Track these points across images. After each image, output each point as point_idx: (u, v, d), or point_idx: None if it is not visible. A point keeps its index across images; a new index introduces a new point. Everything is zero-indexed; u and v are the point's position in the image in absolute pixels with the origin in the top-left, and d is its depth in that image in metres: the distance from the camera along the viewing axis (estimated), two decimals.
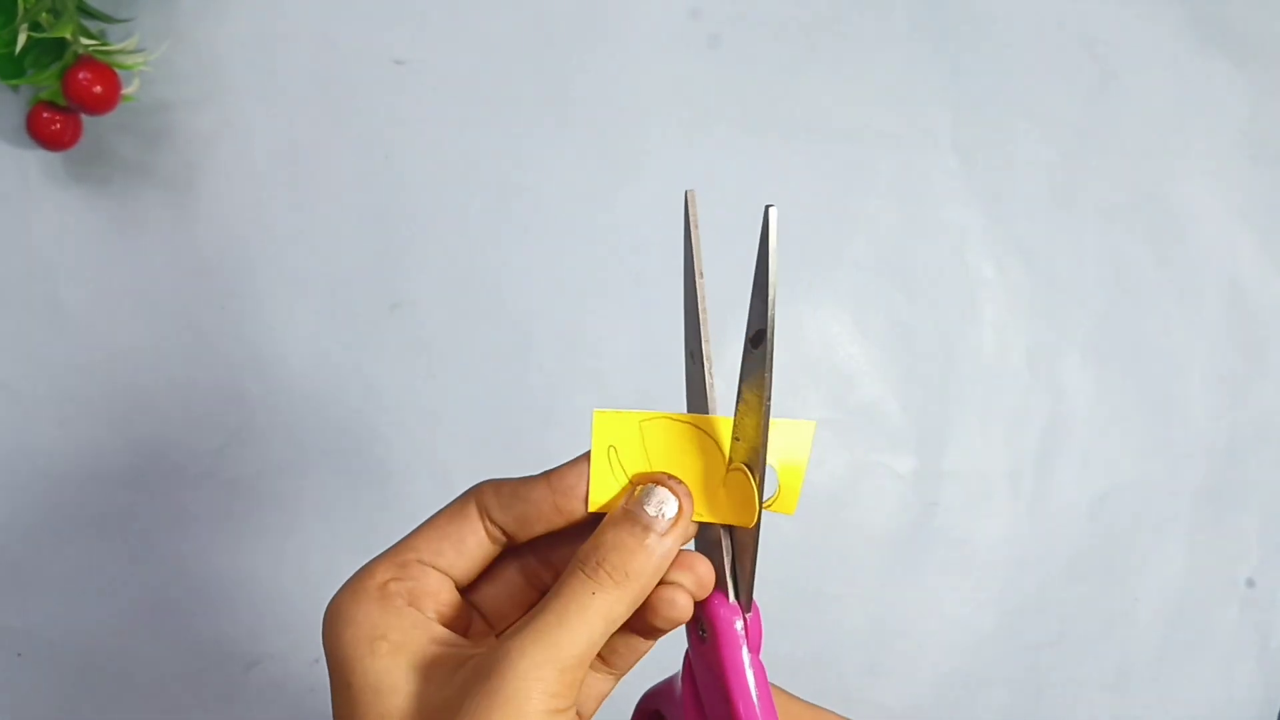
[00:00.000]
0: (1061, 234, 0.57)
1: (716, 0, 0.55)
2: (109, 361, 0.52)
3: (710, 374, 0.30)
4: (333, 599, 0.29)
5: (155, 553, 0.52)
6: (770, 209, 0.27)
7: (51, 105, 0.49)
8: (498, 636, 0.32)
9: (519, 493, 0.30)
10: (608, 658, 0.31)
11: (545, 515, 0.30)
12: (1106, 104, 0.57)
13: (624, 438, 0.30)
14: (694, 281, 0.29)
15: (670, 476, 0.30)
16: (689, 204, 0.30)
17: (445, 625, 0.29)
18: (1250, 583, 0.57)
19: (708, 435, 0.30)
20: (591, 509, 0.30)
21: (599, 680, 0.32)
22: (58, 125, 0.49)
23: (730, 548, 0.30)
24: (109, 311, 0.52)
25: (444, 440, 0.53)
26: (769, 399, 0.28)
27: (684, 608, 0.29)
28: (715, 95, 0.55)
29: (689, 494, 0.30)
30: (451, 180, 0.54)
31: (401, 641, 0.28)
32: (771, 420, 0.29)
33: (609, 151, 0.55)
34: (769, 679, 0.31)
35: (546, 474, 0.30)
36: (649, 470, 0.30)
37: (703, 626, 0.30)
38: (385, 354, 0.53)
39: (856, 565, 0.54)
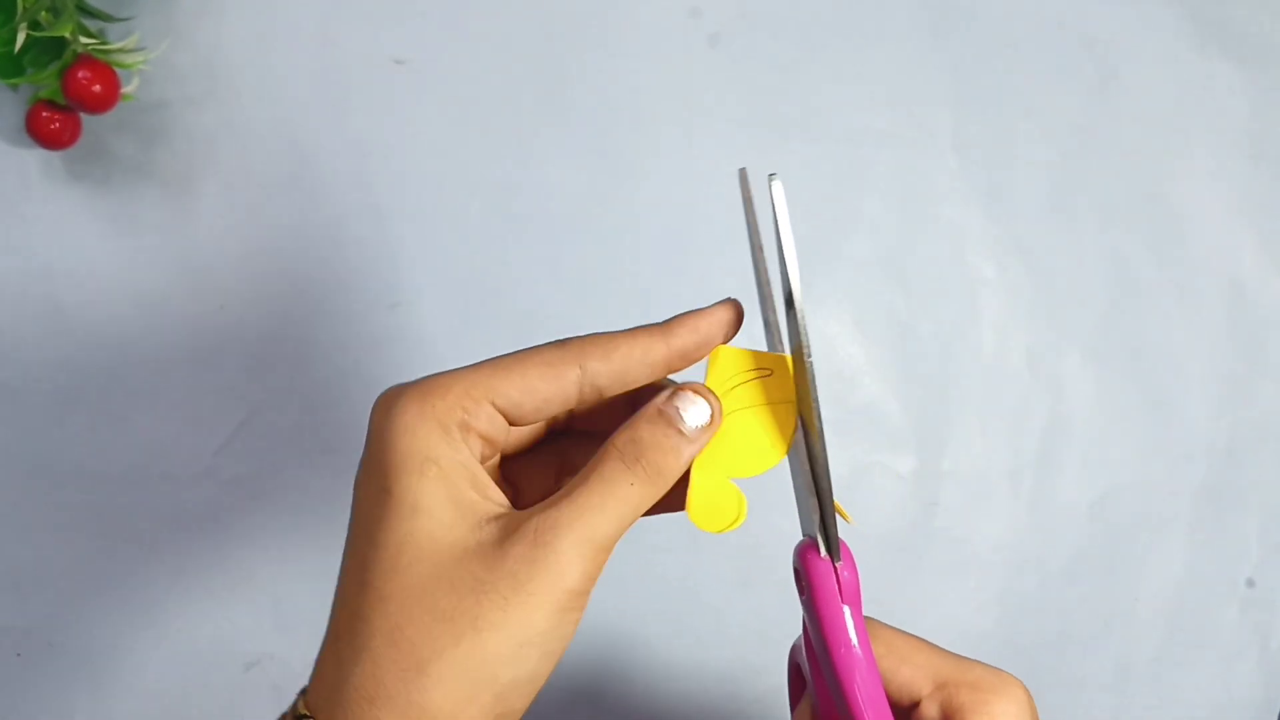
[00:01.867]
0: (1061, 234, 0.57)
1: (716, 0, 0.55)
2: (108, 361, 0.52)
3: (782, 342, 0.31)
4: (399, 396, 0.29)
5: (155, 553, 0.52)
6: (773, 179, 0.29)
7: (51, 104, 0.49)
8: (516, 507, 0.32)
9: (627, 353, 0.30)
10: (574, 471, 0.32)
11: (654, 371, 0.30)
12: (1106, 104, 0.57)
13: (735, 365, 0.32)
14: (755, 255, 0.32)
15: (707, 389, 0.31)
16: (743, 182, 0.31)
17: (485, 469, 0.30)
18: (1250, 583, 0.57)
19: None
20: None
21: (551, 482, 0.33)
22: (57, 124, 0.49)
23: (818, 505, 0.31)
24: (108, 311, 0.52)
25: None
26: (809, 355, 0.30)
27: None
28: (715, 95, 0.55)
29: (719, 404, 0.30)
30: (451, 180, 0.54)
31: (449, 472, 0.28)
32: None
33: (609, 151, 0.55)
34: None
35: (660, 330, 0.31)
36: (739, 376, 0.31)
37: (802, 579, 0.31)
38: (385, 354, 0.53)
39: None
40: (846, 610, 0.30)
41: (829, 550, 0.31)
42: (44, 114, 0.49)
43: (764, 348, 0.33)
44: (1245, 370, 0.57)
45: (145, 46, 0.51)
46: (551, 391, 0.30)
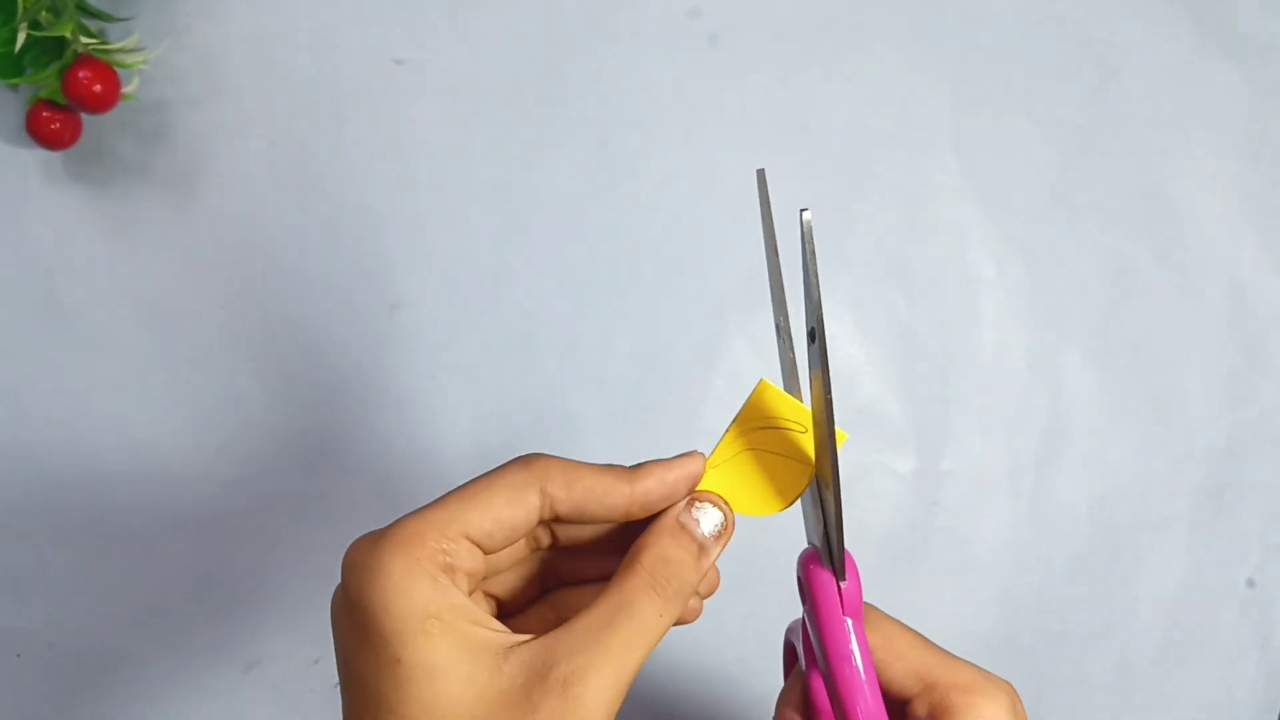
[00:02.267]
0: (1061, 234, 0.57)
1: (716, 0, 0.55)
2: (108, 361, 0.52)
3: (793, 349, 0.31)
4: (377, 552, 0.27)
5: (155, 553, 0.52)
6: (805, 213, 0.28)
7: (51, 104, 0.49)
8: (501, 617, 0.32)
9: (590, 487, 0.29)
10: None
11: (611, 514, 0.30)
12: (1106, 104, 0.57)
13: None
14: (771, 259, 0.31)
15: (708, 493, 0.31)
16: (760, 183, 0.31)
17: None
18: (1250, 583, 0.57)
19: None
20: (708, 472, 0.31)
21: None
22: (57, 124, 0.49)
23: (823, 518, 0.31)
24: (108, 311, 0.52)
25: (443, 440, 0.53)
26: (828, 392, 0.29)
27: (698, 610, 0.31)
28: (715, 95, 0.55)
29: (732, 514, 0.31)
30: (451, 180, 0.54)
31: (452, 624, 0.27)
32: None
33: (609, 151, 0.55)
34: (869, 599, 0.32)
35: (627, 474, 0.30)
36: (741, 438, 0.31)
37: (804, 587, 0.32)
38: (385, 354, 0.53)
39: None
40: (849, 623, 0.31)
41: (832, 564, 0.31)
42: (44, 114, 0.49)
43: (774, 352, 0.33)
44: (1245, 370, 0.57)
45: (145, 46, 0.51)
46: (518, 519, 0.29)
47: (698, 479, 0.31)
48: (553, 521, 0.30)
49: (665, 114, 0.55)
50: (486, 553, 0.29)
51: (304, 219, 0.53)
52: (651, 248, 0.55)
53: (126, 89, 0.49)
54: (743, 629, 0.53)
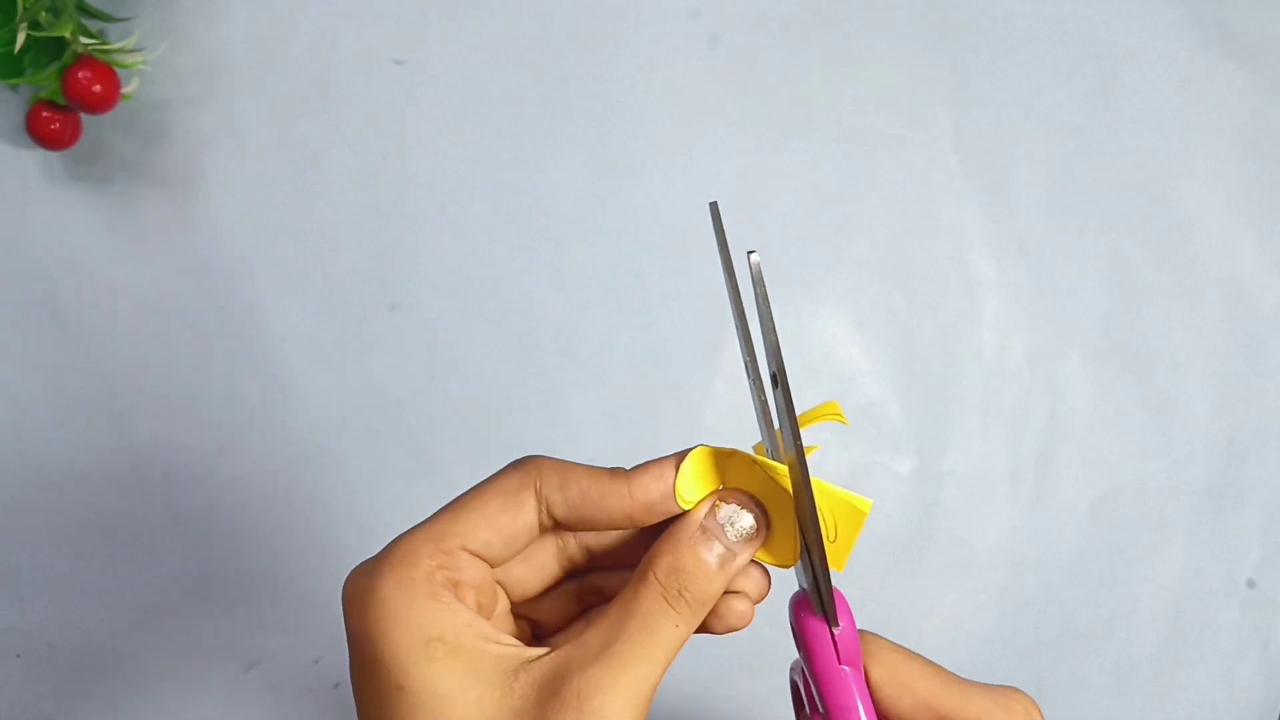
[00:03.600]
0: (1061, 234, 0.57)
1: (716, 0, 0.55)
2: (108, 361, 0.52)
3: (765, 391, 0.29)
4: (372, 580, 0.26)
5: (155, 553, 0.52)
6: (752, 255, 0.26)
7: (51, 104, 0.49)
8: (518, 617, 0.30)
9: (585, 488, 0.28)
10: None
11: (612, 518, 0.28)
12: (1106, 104, 0.57)
13: (710, 467, 0.30)
14: (733, 294, 0.29)
15: (749, 494, 0.29)
16: (714, 216, 0.28)
17: (484, 616, 0.28)
18: (1251, 583, 0.57)
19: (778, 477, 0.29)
20: (680, 505, 0.29)
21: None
22: (57, 124, 0.49)
23: (810, 565, 0.29)
24: (108, 311, 0.52)
25: (443, 440, 0.53)
26: (798, 438, 0.27)
27: (746, 617, 0.29)
28: (715, 95, 0.55)
29: (765, 513, 0.29)
30: (451, 180, 0.54)
31: (456, 644, 0.26)
32: (831, 488, 0.29)
33: (609, 151, 0.55)
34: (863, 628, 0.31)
35: (624, 475, 0.28)
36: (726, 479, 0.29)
37: (795, 634, 0.30)
38: (385, 354, 0.53)
39: (856, 565, 0.54)
40: (847, 671, 0.29)
41: (825, 613, 0.30)
42: (44, 114, 0.49)
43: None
44: (1245, 370, 0.57)
45: (145, 46, 0.51)
46: (517, 525, 0.28)
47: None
48: (556, 529, 0.28)
49: (665, 114, 0.55)
50: (492, 565, 0.28)
51: (304, 219, 0.53)
52: (651, 248, 0.55)
53: (126, 89, 0.49)
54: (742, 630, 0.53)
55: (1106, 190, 0.57)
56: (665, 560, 0.27)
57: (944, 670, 0.30)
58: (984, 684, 0.30)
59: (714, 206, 0.28)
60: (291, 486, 0.53)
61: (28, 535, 0.52)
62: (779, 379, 0.27)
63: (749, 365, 0.29)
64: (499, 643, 0.27)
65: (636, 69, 0.55)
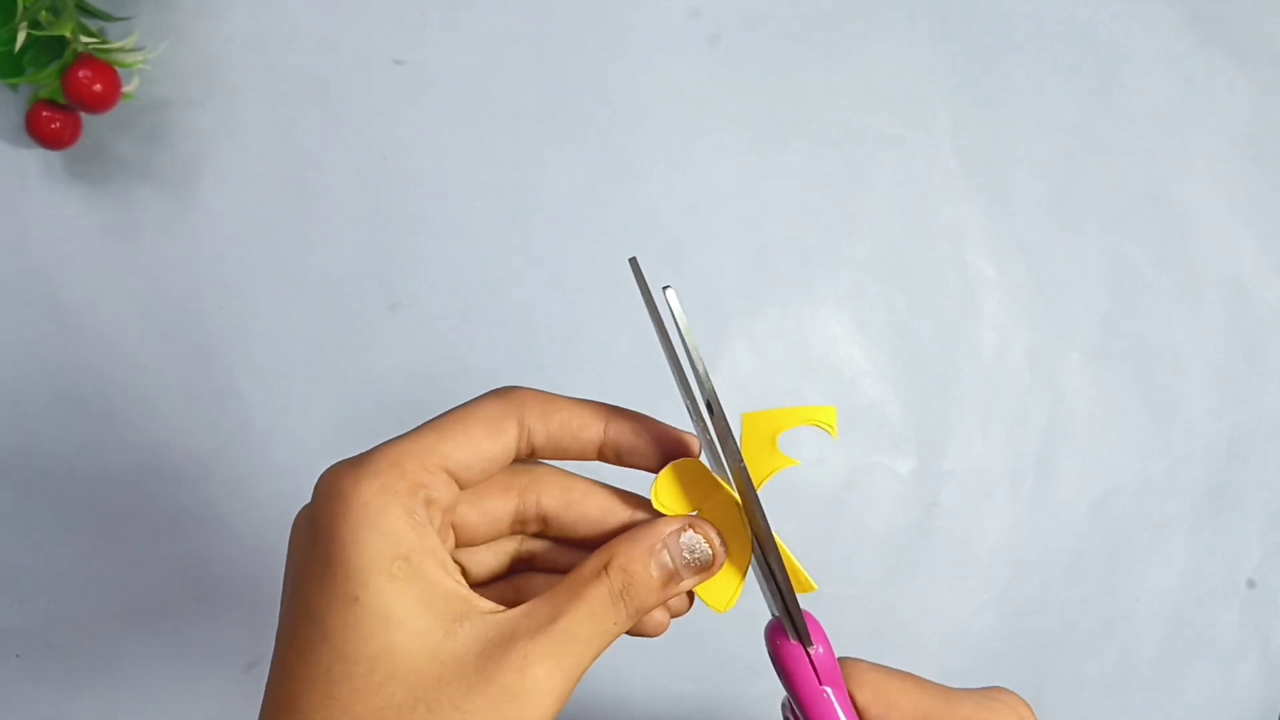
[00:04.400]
0: (1061, 234, 0.57)
1: (716, 0, 0.55)
2: (107, 361, 0.52)
3: (710, 429, 0.29)
4: (352, 479, 0.27)
5: (154, 553, 0.52)
6: (667, 290, 0.27)
7: (51, 104, 0.49)
8: (468, 582, 0.30)
9: (566, 419, 0.29)
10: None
11: (584, 451, 0.30)
12: (1106, 104, 0.57)
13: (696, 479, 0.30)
14: (663, 340, 0.29)
15: (712, 525, 0.30)
16: (635, 271, 0.29)
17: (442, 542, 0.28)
18: (1251, 583, 0.57)
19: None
20: (655, 505, 0.30)
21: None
22: (57, 124, 0.49)
23: (778, 591, 0.30)
24: (107, 311, 0.52)
25: None
26: (740, 460, 0.29)
27: (663, 625, 0.30)
28: (715, 95, 0.55)
29: (724, 545, 0.30)
30: (451, 180, 0.54)
31: (419, 567, 0.26)
32: (790, 558, 0.30)
33: (609, 151, 0.55)
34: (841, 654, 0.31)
35: (604, 412, 0.30)
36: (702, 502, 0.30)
37: (774, 661, 0.31)
38: (385, 354, 0.53)
39: (856, 565, 0.54)
40: (829, 692, 0.30)
41: (798, 635, 0.30)
42: (44, 113, 0.49)
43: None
44: (1245, 370, 0.57)
45: (145, 46, 0.51)
46: (496, 450, 0.28)
47: (676, 454, 0.30)
48: (527, 449, 0.29)
49: (665, 114, 0.55)
50: (462, 486, 0.29)
51: (304, 219, 0.53)
52: (651, 248, 0.55)
53: (126, 88, 0.49)
54: (742, 630, 0.53)
55: (1106, 190, 0.57)
56: (621, 560, 0.28)
57: (927, 681, 0.31)
58: (968, 689, 0.31)
59: (634, 262, 0.29)
60: (290, 487, 0.53)
61: (28, 535, 0.52)
62: (714, 406, 0.28)
63: (689, 406, 0.29)
64: (455, 580, 0.27)
65: (636, 69, 0.55)
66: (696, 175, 0.55)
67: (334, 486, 0.27)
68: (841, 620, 0.54)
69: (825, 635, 0.30)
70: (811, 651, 0.30)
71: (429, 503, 0.27)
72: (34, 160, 0.52)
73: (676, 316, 0.27)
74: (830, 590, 0.55)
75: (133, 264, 0.52)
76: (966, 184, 0.56)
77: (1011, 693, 0.31)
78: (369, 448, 0.28)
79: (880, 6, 0.56)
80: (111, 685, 0.52)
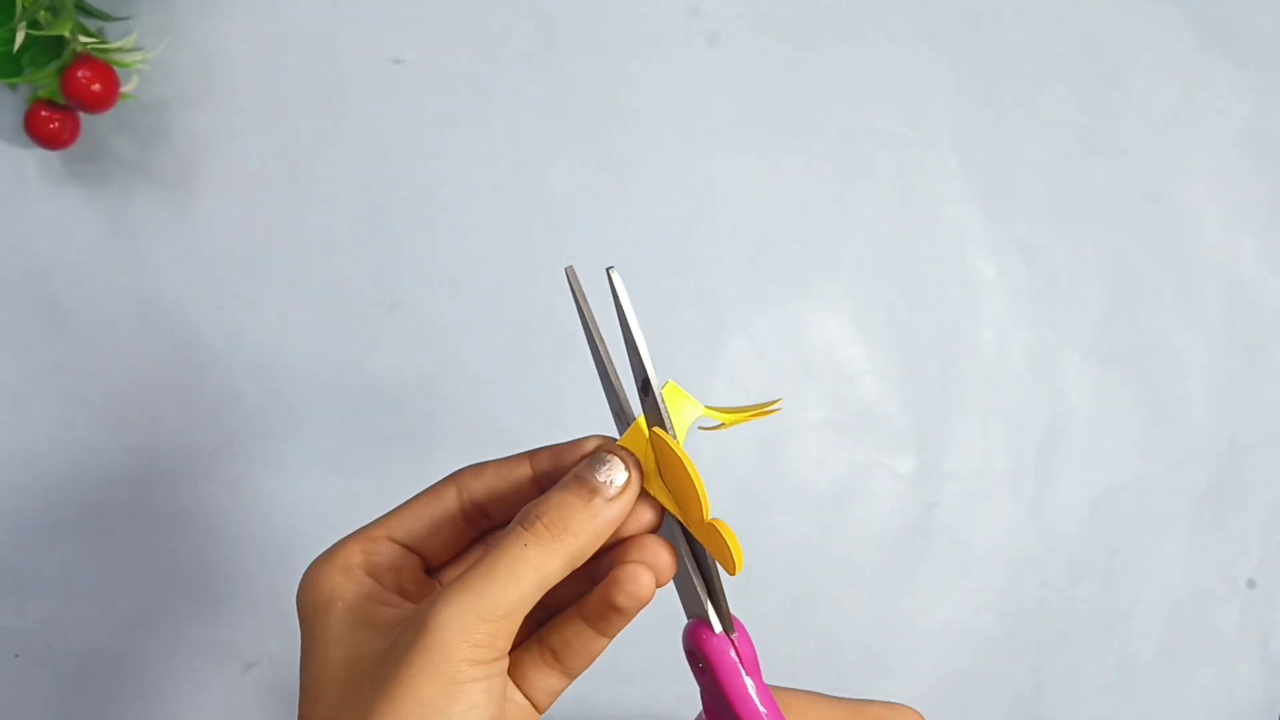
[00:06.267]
0: (1061, 234, 0.57)
1: (716, 0, 0.55)
2: (107, 361, 0.52)
3: (670, 427, 0.31)
4: (308, 570, 0.32)
5: (154, 553, 0.52)
6: (611, 271, 0.29)
7: (50, 103, 0.49)
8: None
9: (495, 468, 0.32)
10: (560, 653, 0.32)
11: (521, 488, 0.32)
12: (1106, 104, 0.57)
13: (643, 444, 0.31)
14: (597, 347, 0.32)
15: (624, 449, 0.31)
16: (571, 279, 0.31)
17: (406, 599, 0.31)
18: (1251, 583, 0.57)
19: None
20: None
21: (551, 677, 0.32)
22: (56, 124, 0.49)
23: (702, 583, 0.31)
24: (107, 311, 0.52)
25: (443, 440, 0.53)
26: (674, 435, 0.30)
27: (647, 586, 0.30)
28: (715, 95, 0.55)
29: (639, 466, 0.30)
30: (451, 180, 0.54)
31: (352, 601, 0.30)
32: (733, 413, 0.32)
33: (609, 151, 0.55)
34: (770, 682, 0.31)
35: (525, 455, 0.32)
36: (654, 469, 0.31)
37: (699, 659, 0.31)
38: (385, 354, 0.53)
39: (856, 565, 0.54)
40: (750, 684, 0.30)
41: (723, 625, 0.31)
42: (43, 113, 0.49)
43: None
44: (1245, 370, 0.57)
45: (144, 46, 0.51)
46: (436, 511, 0.32)
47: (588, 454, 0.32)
48: (474, 507, 0.32)
49: (665, 114, 0.55)
50: (422, 554, 0.33)
51: (304, 219, 0.53)
52: (651, 247, 0.55)
53: (125, 88, 0.49)
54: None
55: (1106, 190, 0.57)
56: (529, 504, 0.30)
57: (843, 699, 0.34)
58: (872, 700, 0.35)
59: (570, 271, 0.31)
60: (290, 487, 0.53)
61: (27, 534, 0.52)
62: (650, 385, 0.30)
63: (612, 389, 0.32)
64: (395, 606, 0.30)
65: (636, 69, 0.55)
66: (696, 175, 0.55)
67: (302, 578, 0.32)
68: (841, 620, 0.55)
69: (748, 633, 0.31)
70: (736, 642, 0.31)
71: (367, 565, 0.31)
72: (33, 160, 0.52)
73: (620, 298, 0.29)
74: (830, 590, 0.55)
75: (132, 264, 0.52)
76: (966, 184, 0.56)
77: (914, 712, 0.34)
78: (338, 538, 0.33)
79: (880, 7, 0.56)
80: (111, 685, 0.52)
